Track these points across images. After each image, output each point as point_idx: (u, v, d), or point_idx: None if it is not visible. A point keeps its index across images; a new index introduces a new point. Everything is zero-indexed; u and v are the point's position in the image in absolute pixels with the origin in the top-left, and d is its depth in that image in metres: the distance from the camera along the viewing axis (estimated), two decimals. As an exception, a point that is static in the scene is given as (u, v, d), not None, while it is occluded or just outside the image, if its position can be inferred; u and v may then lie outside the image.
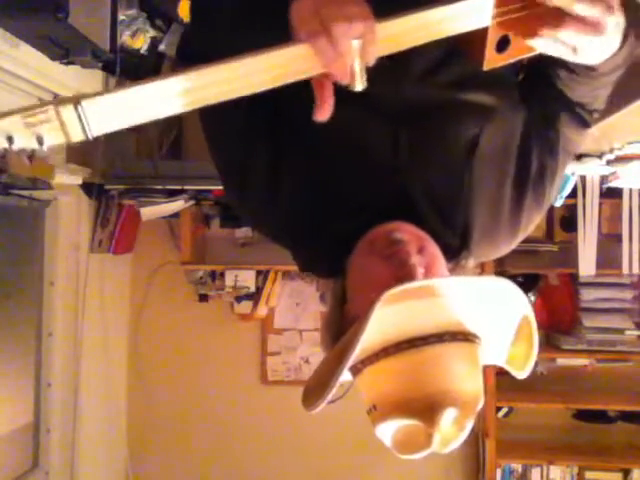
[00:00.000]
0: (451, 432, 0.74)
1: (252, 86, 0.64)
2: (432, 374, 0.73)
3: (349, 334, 0.75)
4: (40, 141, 0.58)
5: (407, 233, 0.82)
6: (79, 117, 0.58)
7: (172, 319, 3.32)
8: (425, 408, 0.73)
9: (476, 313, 0.76)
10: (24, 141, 0.58)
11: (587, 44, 0.70)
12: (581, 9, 0.66)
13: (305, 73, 0.66)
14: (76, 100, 0.58)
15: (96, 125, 0.59)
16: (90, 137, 0.59)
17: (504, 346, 0.82)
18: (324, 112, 0.68)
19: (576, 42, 0.70)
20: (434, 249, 0.83)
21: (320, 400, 0.74)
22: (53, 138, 0.59)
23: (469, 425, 0.75)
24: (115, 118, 0.60)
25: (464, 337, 0.75)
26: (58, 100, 0.58)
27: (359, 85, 0.67)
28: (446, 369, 0.73)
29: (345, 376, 0.79)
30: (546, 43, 0.70)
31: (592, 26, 0.68)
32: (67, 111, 0.58)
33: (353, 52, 0.64)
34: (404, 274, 0.76)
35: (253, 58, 0.63)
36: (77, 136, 0.59)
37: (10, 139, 0.57)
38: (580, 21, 0.67)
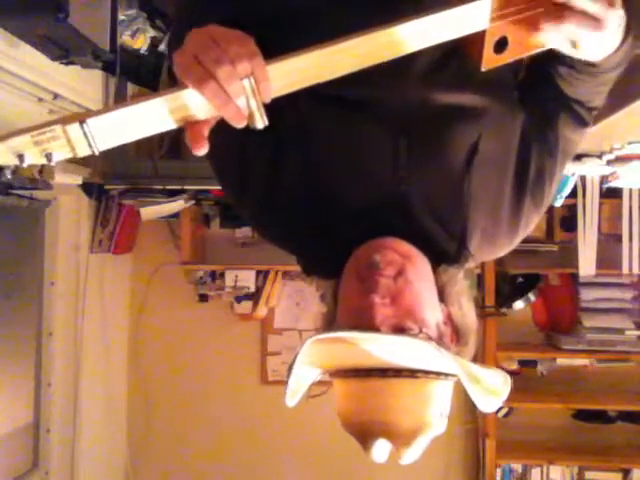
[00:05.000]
0: (402, 453, 0.77)
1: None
2: (370, 405, 0.77)
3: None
4: (49, 158, 0.61)
5: (389, 253, 0.82)
6: (85, 134, 0.61)
7: (172, 319, 3.32)
8: (360, 433, 0.78)
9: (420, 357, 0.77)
10: (34, 158, 0.61)
11: (588, 39, 0.70)
12: (582, 3, 0.66)
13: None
14: (82, 118, 0.61)
15: (101, 141, 0.62)
16: (96, 152, 0.62)
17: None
18: (198, 148, 0.66)
19: (577, 36, 0.69)
20: (414, 273, 0.82)
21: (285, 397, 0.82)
22: (61, 154, 0.62)
23: (413, 452, 0.77)
24: (120, 133, 0.63)
25: (410, 374, 0.76)
26: (64, 118, 0.61)
27: (259, 123, 0.65)
28: (383, 402, 0.77)
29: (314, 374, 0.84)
30: (548, 37, 0.70)
31: (593, 20, 0.67)
32: (73, 129, 0.60)
33: (245, 92, 0.63)
34: (366, 305, 0.78)
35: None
36: (84, 151, 0.62)
37: (21, 157, 0.60)
38: (581, 15, 0.67)
